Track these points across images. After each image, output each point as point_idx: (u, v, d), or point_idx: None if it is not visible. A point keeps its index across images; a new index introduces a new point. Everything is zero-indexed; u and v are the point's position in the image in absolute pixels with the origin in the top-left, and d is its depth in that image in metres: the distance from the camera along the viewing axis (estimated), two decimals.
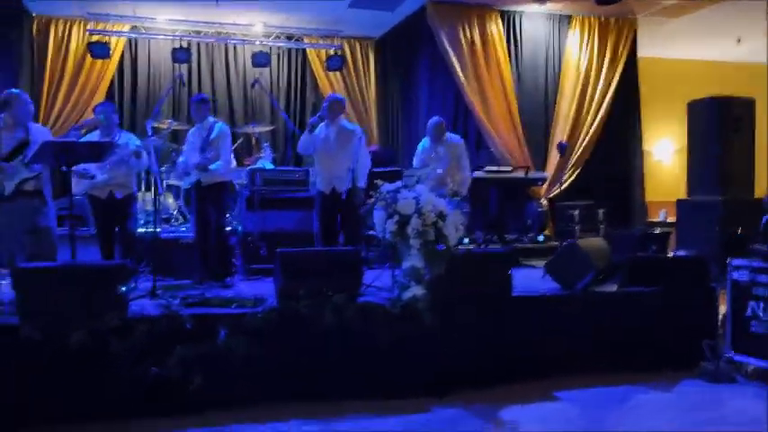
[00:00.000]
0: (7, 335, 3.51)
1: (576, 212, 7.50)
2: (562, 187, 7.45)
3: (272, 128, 8.41)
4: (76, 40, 8.09)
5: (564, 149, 6.24)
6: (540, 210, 7.81)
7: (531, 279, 5.28)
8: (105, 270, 3.91)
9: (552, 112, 8.20)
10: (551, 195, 7.88)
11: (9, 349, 3.50)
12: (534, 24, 8.25)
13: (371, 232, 4.46)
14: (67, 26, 8.07)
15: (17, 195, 4.64)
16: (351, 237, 5.49)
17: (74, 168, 4.64)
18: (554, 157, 7.63)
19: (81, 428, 3.49)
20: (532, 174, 7.50)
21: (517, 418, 3.70)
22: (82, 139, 4.88)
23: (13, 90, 4.90)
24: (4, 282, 4.95)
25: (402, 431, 3.53)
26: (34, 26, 7.95)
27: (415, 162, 6.26)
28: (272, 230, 6.15)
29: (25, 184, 4.65)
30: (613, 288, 4.78)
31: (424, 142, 6.34)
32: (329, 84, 9.00)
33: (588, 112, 8.26)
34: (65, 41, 8.07)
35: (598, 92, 8.30)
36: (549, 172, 7.83)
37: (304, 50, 9.08)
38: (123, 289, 3.81)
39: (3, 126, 4.71)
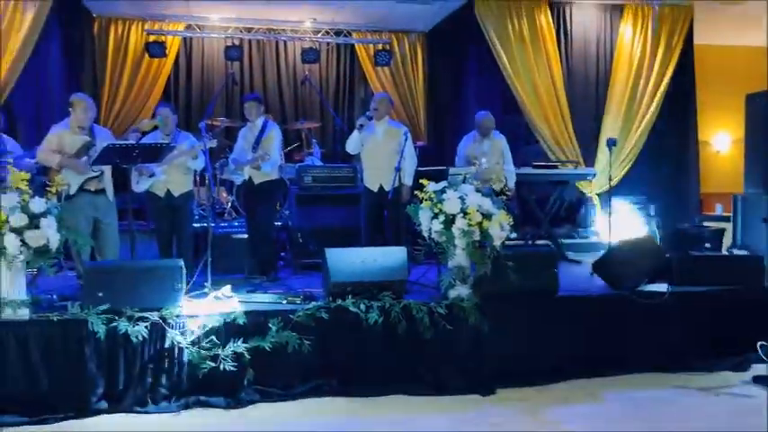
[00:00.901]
0: (75, 328, 3.74)
1: (627, 208, 7.38)
2: (612, 182, 7.30)
3: (320, 124, 8.54)
4: (134, 39, 8.37)
5: (613, 145, 6.13)
6: (589, 205, 7.70)
7: (579, 276, 5.26)
8: (163, 267, 4.10)
9: (603, 104, 8.05)
10: (601, 190, 7.75)
11: (76, 341, 3.73)
12: (584, 15, 8.09)
13: (418, 229, 4.52)
14: (126, 26, 8.36)
15: (81, 193, 4.91)
16: (397, 234, 5.55)
17: (134, 167, 4.88)
18: (604, 151, 7.49)
19: (138, 417, 3.69)
20: (582, 169, 7.40)
21: (563, 418, 3.70)
22: (142, 140, 5.09)
23: (78, 94, 5.16)
24: (70, 273, 5.26)
25: (448, 430, 3.58)
26: (95, 26, 8.27)
27: (459, 155, 6.27)
28: (320, 226, 6.29)
29: (88, 184, 4.90)
30: (664, 288, 4.70)
31: (470, 136, 6.35)
32: (377, 79, 9.06)
33: (641, 104, 8.07)
34: (123, 41, 8.36)
35: (651, 83, 8.10)
36: (600, 167, 7.70)
37: (353, 46, 9.15)
38: (179, 285, 4.00)
39: (69, 129, 4.97)
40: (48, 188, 4.10)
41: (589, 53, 8.11)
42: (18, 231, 3.70)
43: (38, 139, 5.28)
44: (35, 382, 3.69)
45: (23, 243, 3.72)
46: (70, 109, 5.00)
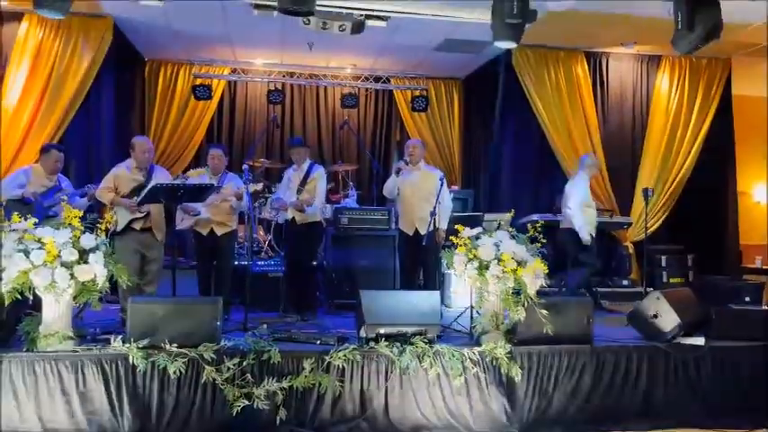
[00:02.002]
0: (116, 361, 3.85)
1: (664, 258, 7.30)
2: (648, 231, 7.25)
3: (357, 167, 8.70)
4: (182, 82, 8.73)
5: (650, 195, 6.13)
6: (624, 254, 7.64)
7: (613, 326, 5.20)
8: (202, 304, 4.22)
9: (639, 154, 8.05)
10: (637, 239, 7.69)
11: (117, 374, 3.84)
12: (621, 66, 8.17)
13: (450, 272, 4.56)
14: (175, 70, 8.74)
15: (128, 231, 5.12)
16: (431, 278, 5.60)
17: (181, 205, 5.07)
18: (640, 200, 7.47)
19: None
20: (617, 217, 7.37)
21: None
22: (190, 180, 5.30)
23: (139, 136, 5.46)
24: (112, 306, 5.43)
25: None
26: (146, 70, 8.67)
27: (575, 199, 6.21)
28: (355, 267, 6.39)
29: (135, 222, 5.12)
30: (701, 341, 4.62)
31: (585, 179, 6.42)
32: (414, 124, 9.23)
33: (678, 154, 8.04)
34: (172, 84, 8.72)
35: (689, 133, 8.08)
36: (635, 215, 7.66)
37: (390, 91, 9.38)
38: (217, 323, 4.10)
39: (128, 169, 5.24)
40: (98, 224, 4.29)
41: (625, 102, 8.16)
42: (68, 266, 3.86)
43: (88, 178, 5.56)
44: (74, 412, 3.79)
45: (72, 277, 3.87)
46: (131, 150, 5.28)
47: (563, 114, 7.80)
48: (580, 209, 6.13)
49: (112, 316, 5.15)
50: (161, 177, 5.25)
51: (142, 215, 5.08)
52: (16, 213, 4.05)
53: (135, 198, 5.02)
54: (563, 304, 4.51)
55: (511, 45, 4.93)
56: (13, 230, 3.89)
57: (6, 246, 3.84)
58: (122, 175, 5.21)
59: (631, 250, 7.75)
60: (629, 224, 7.27)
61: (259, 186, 5.48)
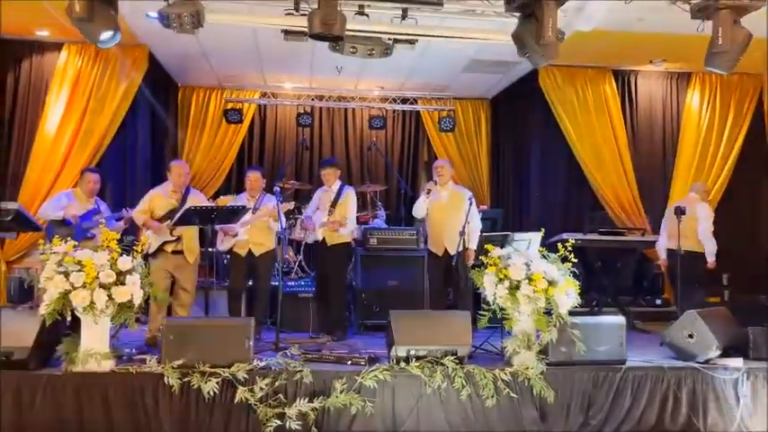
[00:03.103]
0: (152, 381, 3.92)
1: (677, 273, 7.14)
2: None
3: (386, 187, 8.75)
4: (213, 106, 8.91)
5: (682, 213, 6.05)
6: (657, 273, 7.53)
7: (647, 346, 5.12)
8: (235, 325, 4.27)
9: (670, 172, 7.96)
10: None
11: (152, 393, 3.91)
12: (650, 83, 8.12)
13: (481, 293, 4.55)
14: (207, 94, 8.93)
15: (161, 253, 5.24)
16: (460, 297, 5.59)
17: (219, 227, 5.17)
18: (672, 218, 7.36)
19: None
20: (649, 236, 7.28)
21: None
22: (232, 202, 5.42)
23: (176, 160, 5.61)
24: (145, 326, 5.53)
25: None
26: (179, 95, 8.89)
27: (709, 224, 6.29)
28: (384, 287, 6.41)
29: (166, 245, 5.24)
30: (739, 362, 4.52)
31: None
32: (441, 144, 9.27)
33: (711, 171, 7.94)
34: (204, 108, 8.91)
35: (722, 150, 7.97)
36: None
37: (418, 112, 9.45)
38: (249, 343, 4.15)
39: (164, 192, 5.38)
40: (134, 247, 4.40)
41: (655, 120, 8.09)
42: (106, 287, 3.97)
43: (124, 201, 5.71)
44: (112, 430, 3.86)
45: (110, 298, 3.97)
46: (168, 173, 5.43)
47: (592, 133, 7.78)
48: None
49: (140, 335, 5.22)
50: (196, 200, 5.37)
51: (173, 239, 5.20)
52: (57, 236, 4.18)
53: (169, 222, 5.14)
54: (595, 324, 4.47)
55: (547, 63, 4.96)
56: (54, 253, 4.02)
57: (48, 268, 3.97)
58: (158, 197, 5.35)
59: (664, 269, 7.62)
60: None
61: (291, 205, 5.56)
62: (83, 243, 4.47)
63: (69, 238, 4.16)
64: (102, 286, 3.94)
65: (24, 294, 5.29)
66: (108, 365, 4.02)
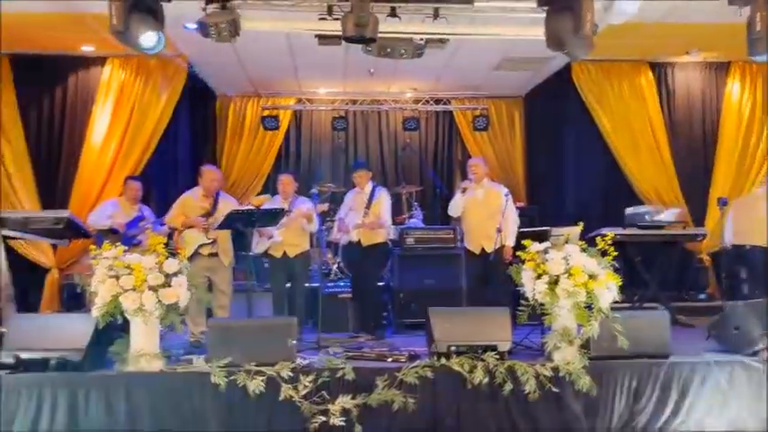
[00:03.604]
0: (199, 380, 4.04)
1: (744, 269, 6.98)
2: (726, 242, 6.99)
3: (421, 188, 8.80)
4: (251, 114, 9.12)
5: (725, 204, 5.93)
6: (700, 266, 7.38)
7: (691, 341, 5.05)
8: (278, 324, 4.37)
9: (711, 163, 7.80)
10: (714, 251, 7.41)
11: (200, 392, 4.03)
12: (688, 74, 7.98)
13: (519, 289, 4.55)
14: (244, 103, 9.15)
15: (197, 256, 5.38)
16: (499, 296, 5.59)
17: (255, 230, 5.31)
18: (715, 210, 7.23)
19: None
20: (691, 229, 7.15)
21: None
22: (265, 204, 5.55)
23: (207, 165, 5.74)
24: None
25: None
26: (217, 104, 9.12)
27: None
28: (422, 286, 6.44)
29: (202, 249, 5.39)
30: None
31: None
32: (475, 143, 9.27)
33: (754, 160, 7.75)
34: (241, 116, 9.13)
35: (763, 138, 7.78)
36: (710, 226, 7.40)
37: (451, 112, 9.47)
38: (292, 342, 4.24)
39: (195, 196, 5.52)
40: (177, 251, 4.54)
41: (694, 111, 7.95)
42: (154, 289, 4.11)
43: (168, 208, 5.88)
44: (161, 429, 3.98)
45: (158, 300, 4.11)
46: (199, 178, 5.58)
47: (628, 126, 7.69)
48: None
49: (183, 339, 5.35)
50: (228, 204, 5.50)
51: (209, 241, 5.34)
52: (107, 242, 4.34)
53: (210, 220, 5.30)
54: (638, 318, 4.43)
55: (585, 56, 4.93)
56: (105, 258, 4.18)
57: (99, 272, 4.13)
58: (189, 201, 5.51)
59: (708, 263, 7.48)
60: (704, 235, 7.03)
61: (325, 207, 5.67)
62: (130, 250, 4.63)
63: (119, 245, 4.32)
64: (150, 288, 4.08)
65: (77, 299, 5.50)
66: (157, 365, 4.15)
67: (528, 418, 4.09)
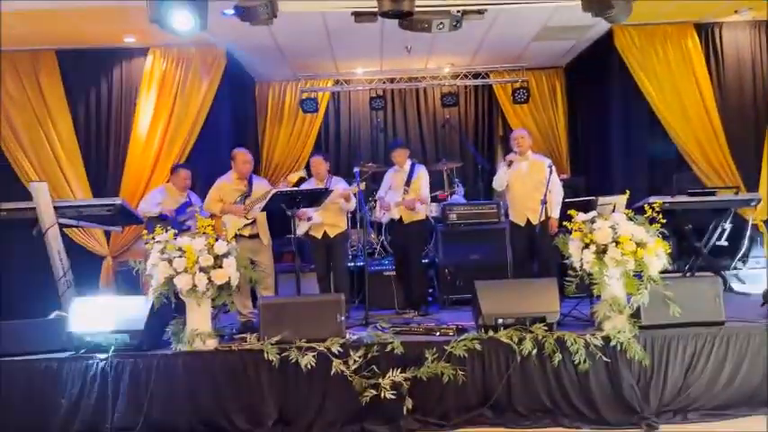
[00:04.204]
0: (253, 357, 4.15)
1: None
2: None
3: (462, 163, 8.74)
4: (289, 98, 9.19)
5: None
6: (754, 233, 7.16)
7: (746, 308, 4.92)
8: (327, 302, 4.45)
9: (763, 126, 7.51)
10: None
11: (254, 369, 4.15)
12: (736, 35, 7.66)
13: (566, 261, 4.51)
14: (282, 87, 9.22)
15: (238, 239, 5.48)
16: (546, 268, 5.55)
17: (294, 212, 5.39)
18: None
19: None
20: (743, 195, 6.92)
21: None
22: (302, 186, 5.62)
23: (238, 148, 5.83)
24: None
25: None
26: (256, 90, 9.21)
27: None
28: (467, 262, 6.44)
29: (243, 230, 5.50)
30: None
31: None
32: (516, 116, 9.15)
33: None
34: (280, 101, 9.22)
35: None
36: (764, 191, 7.15)
37: (490, 86, 9.35)
38: (341, 318, 4.31)
39: (229, 180, 5.63)
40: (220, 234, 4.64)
41: (744, 73, 7.64)
42: (205, 270, 4.23)
43: None
44: (220, 405, 4.12)
45: (210, 281, 4.23)
46: (231, 161, 5.68)
47: (674, 91, 7.45)
48: None
49: (232, 319, 5.48)
50: (262, 187, 5.60)
51: (249, 221, 5.45)
52: (159, 226, 4.48)
53: (241, 205, 5.40)
54: (689, 285, 4.35)
55: (626, 18, 4.78)
56: (158, 242, 4.31)
57: (152, 256, 4.27)
58: (225, 186, 5.62)
59: (762, 229, 7.24)
60: (758, 200, 6.79)
61: (363, 186, 5.71)
62: (180, 235, 4.75)
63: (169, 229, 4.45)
64: (202, 270, 4.20)
65: (132, 284, 5.68)
66: (212, 344, 4.29)
67: (579, 389, 4.09)
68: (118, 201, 5.23)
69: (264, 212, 5.54)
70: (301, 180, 6.02)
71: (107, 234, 6.94)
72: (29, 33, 6.66)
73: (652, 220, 4.30)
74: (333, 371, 4.07)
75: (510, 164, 5.63)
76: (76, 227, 5.79)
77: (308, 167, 8.88)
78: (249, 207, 5.43)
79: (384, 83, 9.22)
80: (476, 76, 9.13)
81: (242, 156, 5.66)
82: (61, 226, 5.07)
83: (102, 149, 7.30)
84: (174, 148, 7.16)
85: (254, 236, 5.56)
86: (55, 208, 5.03)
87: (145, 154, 7.11)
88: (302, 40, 7.46)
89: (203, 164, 7.11)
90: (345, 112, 9.55)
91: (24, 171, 7.09)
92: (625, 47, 7.54)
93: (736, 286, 6.39)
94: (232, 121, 7.97)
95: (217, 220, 5.53)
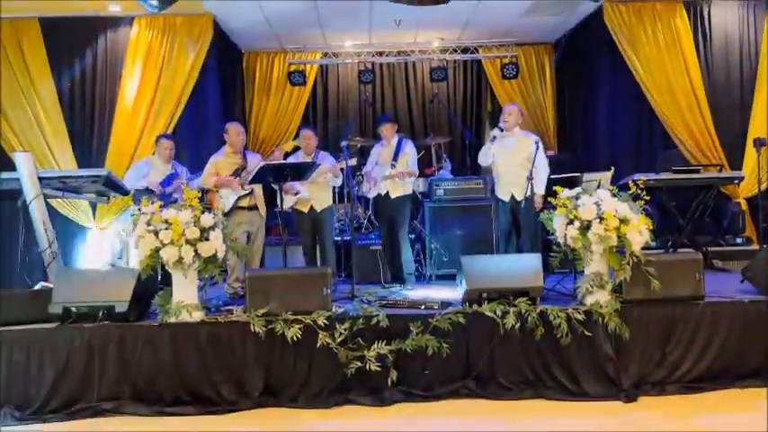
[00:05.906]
0: (239, 329, 4.18)
1: None
2: (763, 185, 6.84)
3: (449, 139, 8.75)
4: (277, 70, 9.12)
5: (762, 145, 5.78)
6: (736, 211, 7.25)
7: (726, 285, 5.01)
8: (313, 275, 4.47)
9: (749, 105, 7.57)
10: (751, 194, 7.27)
11: (240, 341, 4.18)
12: (724, 13, 7.67)
13: (551, 237, 4.56)
14: (270, 59, 9.14)
15: (237, 210, 5.50)
16: (530, 243, 5.61)
17: (279, 187, 5.38)
18: (752, 153, 7.04)
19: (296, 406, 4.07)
20: (727, 172, 7.01)
21: (717, 424, 3.60)
22: (290, 158, 5.61)
23: (231, 122, 5.79)
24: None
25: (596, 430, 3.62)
26: (244, 62, 9.12)
27: None
28: (453, 237, 6.49)
29: (241, 201, 5.49)
30: None
31: None
32: (505, 92, 9.14)
33: None
34: (268, 73, 9.14)
35: None
36: (748, 169, 7.24)
37: (479, 61, 9.32)
38: (327, 291, 4.34)
39: (223, 155, 5.61)
40: (208, 208, 4.63)
41: (731, 52, 7.67)
42: (192, 243, 4.22)
43: (198, 165, 5.98)
44: (206, 376, 4.15)
45: (196, 253, 4.23)
46: (225, 135, 5.65)
47: (662, 70, 7.48)
48: None
49: (219, 292, 5.50)
50: (256, 160, 5.59)
51: (247, 192, 5.45)
52: (145, 197, 4.46)
53: (242, 176, 5.39)
54: (671, 261, 4.41)
55: None
56: (144, 214, 4.30)
57: (139, 228, 4.26)
58: (220, 160, 5.60)
59: (744, 206, 7.34)
60: (741, 178, 6.88)
61: (353, 161, 5.71)
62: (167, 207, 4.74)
63: (156, 201, 4.43)
64: (188, 242, 4.18)
65: (118, 255, 5.68)
66: (198, 316, 4.30)
67: (560, 362, 4.16)
68: (104, 172, 5.19)
69: (261, 185, 5.54)
70: (296, 148, 6.00)
71: (93, 204, 6.90)
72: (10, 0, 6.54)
73: (636, 197, 4.34)
74: (318, 343, 4.09)
75: (494, 139, 5.64)
76: (62, 198, 5.75)
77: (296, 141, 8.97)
78: (245, 179, 5.42)
79: (373, 56, 9.15)
80: (465, 50, 9.09)
81: (236, 128, 5.69)
82: (46, 197, 5.03)
83: (87, 120, 7.23)
84: (160, 119, 7.11)
85: (253, 207, 5.58)
86: (39, 179, 4.98)
87: (131, 124, 7.05)
88: (290, 11, 7.38)
89: (190, 135, 7.07)
90: (334, 85, 9.50)
91: (8, 141, 7.00)
92: (615, 24, 7.53)
93: (717, 263, 6.49)
94: (219, 93, 7.90)
95: (212, 194, 5.53)
